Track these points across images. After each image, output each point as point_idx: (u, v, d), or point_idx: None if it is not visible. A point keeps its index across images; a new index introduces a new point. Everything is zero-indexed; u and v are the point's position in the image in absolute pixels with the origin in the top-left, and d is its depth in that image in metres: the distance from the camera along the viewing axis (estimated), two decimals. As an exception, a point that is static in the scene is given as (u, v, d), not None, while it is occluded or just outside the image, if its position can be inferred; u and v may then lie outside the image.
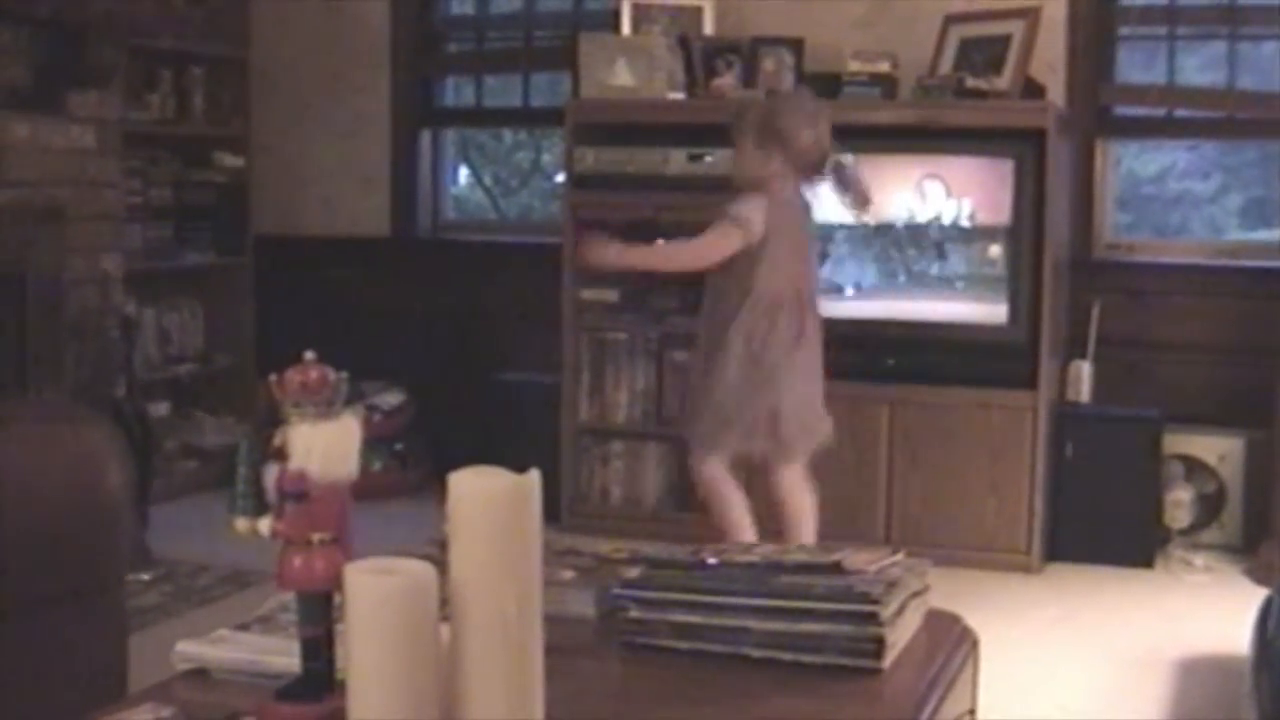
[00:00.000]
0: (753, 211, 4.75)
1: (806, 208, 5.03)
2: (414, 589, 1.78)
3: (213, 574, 5.40)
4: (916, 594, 2.45)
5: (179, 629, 3.05)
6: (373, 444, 6.65)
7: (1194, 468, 6.00)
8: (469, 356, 7.02)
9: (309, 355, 1.95)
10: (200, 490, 6.51)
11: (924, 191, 5.87)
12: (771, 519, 4.99)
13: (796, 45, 6.32)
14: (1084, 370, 6.11)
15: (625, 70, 6.14)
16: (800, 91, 5.53)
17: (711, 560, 2.44)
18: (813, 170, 4.88)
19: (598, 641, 2.41)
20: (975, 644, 2.56)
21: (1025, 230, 5.67)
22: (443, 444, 6.68)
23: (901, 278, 5.90)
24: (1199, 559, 5.83)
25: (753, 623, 2.30)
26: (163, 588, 5.26)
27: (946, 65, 6.04)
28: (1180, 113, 6.38)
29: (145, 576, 5.28)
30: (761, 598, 2.30)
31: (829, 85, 6.06)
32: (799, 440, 4.90)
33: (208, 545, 5.41)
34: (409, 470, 6.83)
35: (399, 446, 6.91)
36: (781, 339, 4.80)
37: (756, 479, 5.06)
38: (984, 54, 5.96)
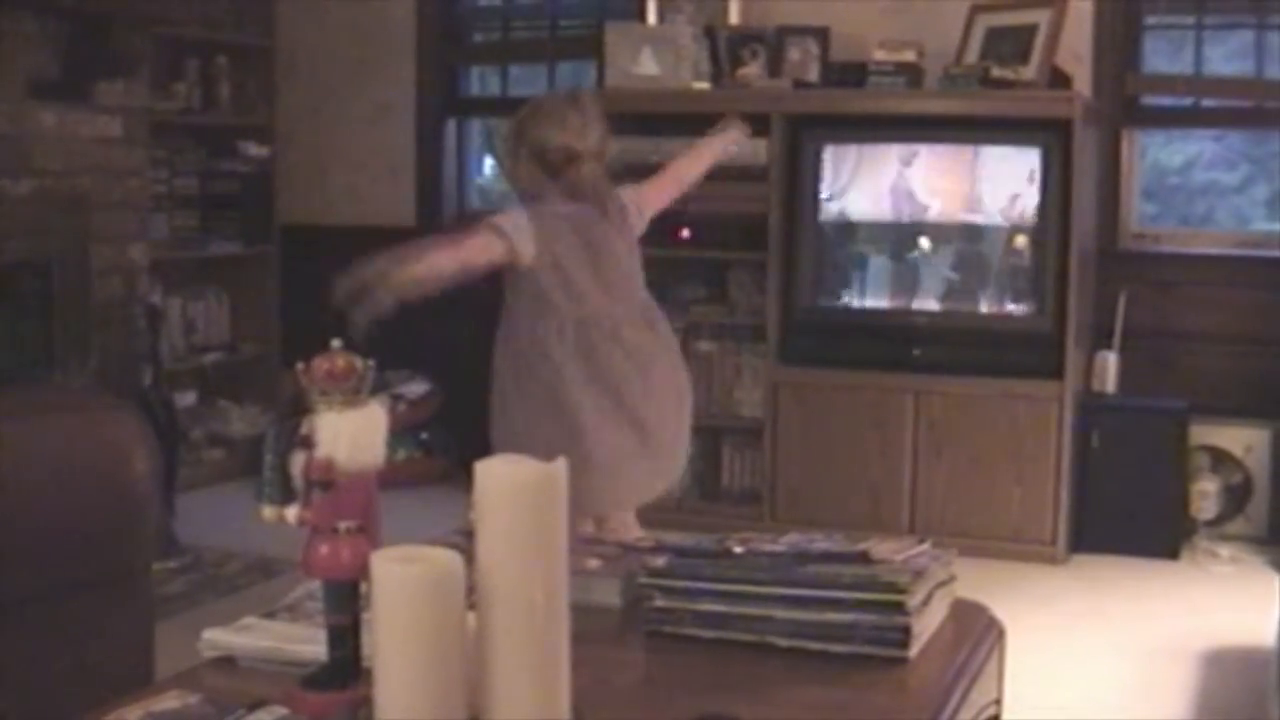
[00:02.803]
0: (514, 221, 4.18)
1: (607, 221, 4.25)
2: (440, 578, 1.78)
3: (239, 562, 5.42)
4: (943, 584, 2.45)
5: (205, 617, 3.05)
6: (398, 433, 6.66)
7: (1220, 459, 5.98)
8: (494, 345, 7.00)
9: (336, 343, 1.95)
10: (226, 479, 6.54)
11: (947, 181, 5.86)
12: None
13: (822, 34, 6.31)
14: (1110, 360, 6.09)
15: (650, 60, 6.13)
16: (557, 93, 4.97)
17: (737, 549, 2.43)
18: (568, 172, 4.18)
19: (623, 630, 2.42)
20: (1001, 634, 2.56)
21: (1051, 220, 5.66)
22: (468, 433, 6.66)
23: (926, 267, 5.89)
24: (1225, 550, 5.82)
25: (779, 611, 2.30)
26: (189, 576, 5.29)
27: (972, 55, 6.03)
28: (1207, 102, 6.37)
29: (172, 565, 5.31)
30: (787, 586, 2.30)
31: (854, 74, 6.06)
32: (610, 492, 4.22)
33: (234, 534, 5.42)
34: (434, 459, 6.84)
35: (424, 436, 6.92)
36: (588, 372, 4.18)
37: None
38: (1010, 43, 5.95)
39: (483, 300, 7.08)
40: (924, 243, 5.89)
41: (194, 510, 5.84)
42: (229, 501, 6.00)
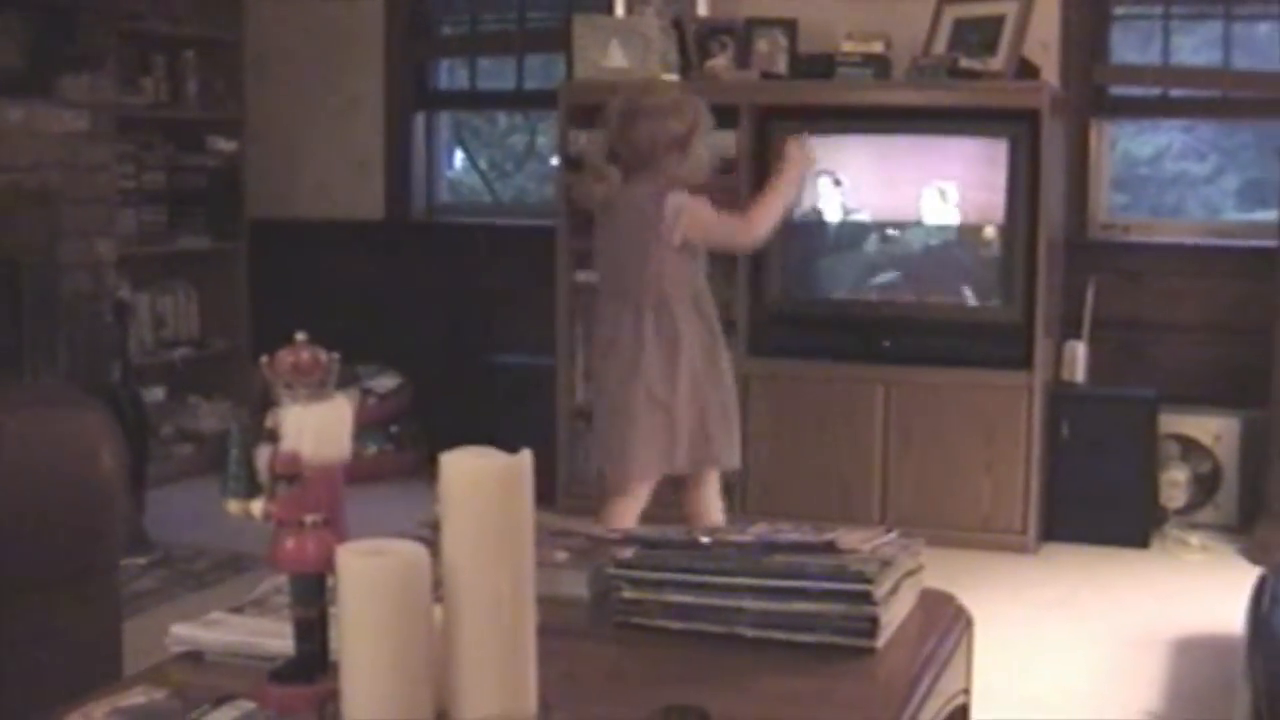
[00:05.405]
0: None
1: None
2: (405, 570, 1.77)
3: (210, 558, 5.41)
4: (910, 573, 2.45)
5: (176, 613, 3.04)
6: (368, 427, 6.65)
7: (1190, 447, 6.00)
8: (464, 339, 7.02)
9: (300, 336, 1.94)
10: (197, 474, 6.51)
11: (915, 172, 5.87)
12: None
13: (790, 26, 6.31)
14: (1079, 350, 6.11)
15: (619, 52, 6.12)
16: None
17: (705, 540, 2.44)
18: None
19: (591, 622, 2.41)
20: (969, 623, 2.56)
21: (1020, 211, 5.67)
22: (438, 427, 6.67)
23: (895, 258, 5.90)
24: (1195, 538, 5.83)
25: (747, 602, 2.30)
26: (160, 572, 5.27)
27: (940, 46, 6.04)
28: (1176, 93, 6.38)
29: (142, 561, 5.29)
30: (755, 577, 2.30)
31: (822, 66, 6.06)
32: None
33: (205, 529, 5.41)
34: (404, 453, 6.83)
35: (394, 430, 6.91)
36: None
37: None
38: (978, 34, 5.95)
39: (452, 295, 7.11)
40: (892, 233, 5.89)
41: (164, 506, 5.82)
42: (199, 497, 5.97)
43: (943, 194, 5.81)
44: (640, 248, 4.32)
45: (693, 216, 4.35)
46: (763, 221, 4.42)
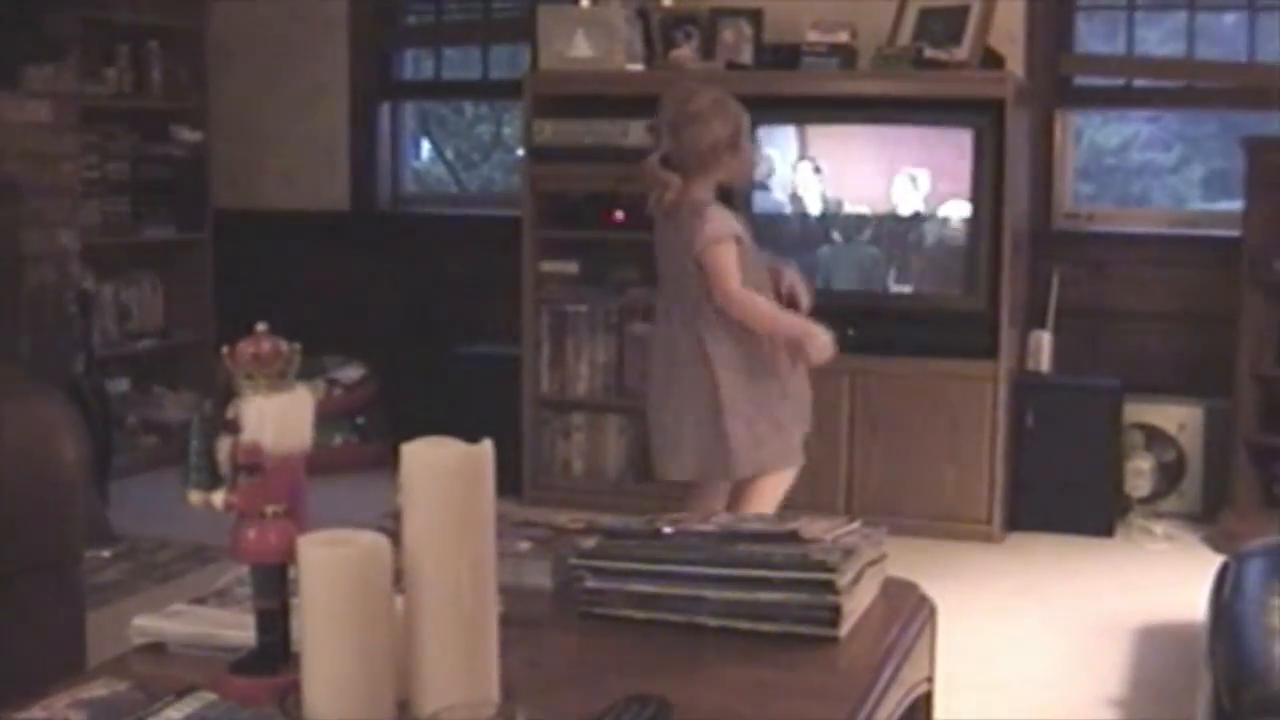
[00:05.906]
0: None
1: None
2: (366, 560, 1.77)
3: (174, 550, 5.39)
4: (873, 562, 2.45)
5: (140, 605, 3.03)
6: (334, 418, 6.64)
7: (1154, 436, 6.02)
8: (430, 330, 7.00)
9: (261, 327, 1.94)
10: (162, 466, 6.48)
11: (881, 162, 5.87)
12: None
13: (755, 16, 6.31)
14: (1044, 340, 6.12)
15: (584, 42, 6.11)
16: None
17: (668, 530, 2.44)
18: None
19: (555, 612, 2.41)
20: (932, 612, 2.56)
21: (984, 200, 5.68)
22: (404, 418, 6.65)
23: (861, 247, 5.90)
24: (1159, 527, 5.86)
25: (709, 591, 2.30)
26: (124, 564, 5.26)
27: (905, 36, 6.04)
28: (1141, 83, 6.39)
29: (106, 553, 5.27)
30: (718, 566, 2.30)
31: (787, 56, 6.06)
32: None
33: (169, 521, 5.37)
34: (370, 444, 6.82)
35: (360, 420, 6.90)
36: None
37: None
38: (943, 24, 5.96)
39: (417, 285, 7.10)
40: (857, 222, 5.90)
41: (129, 498, 5.80)
42: (164, 488, 5.91)
43: (914, 181, 5.81)
44: (686, 260, 4.37)
45: (715, 254, 4.35)
46: (743, 306, 4.38)
